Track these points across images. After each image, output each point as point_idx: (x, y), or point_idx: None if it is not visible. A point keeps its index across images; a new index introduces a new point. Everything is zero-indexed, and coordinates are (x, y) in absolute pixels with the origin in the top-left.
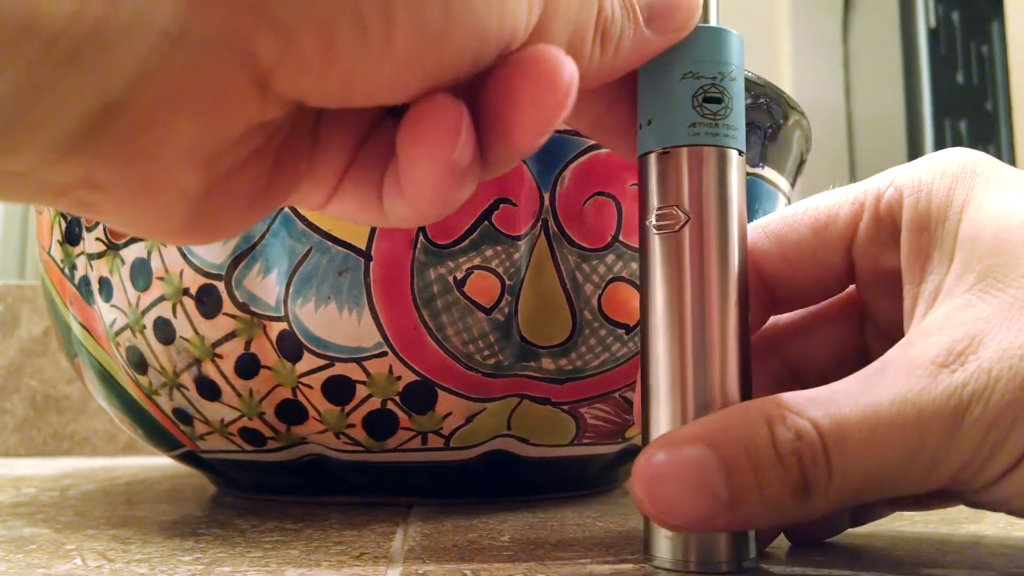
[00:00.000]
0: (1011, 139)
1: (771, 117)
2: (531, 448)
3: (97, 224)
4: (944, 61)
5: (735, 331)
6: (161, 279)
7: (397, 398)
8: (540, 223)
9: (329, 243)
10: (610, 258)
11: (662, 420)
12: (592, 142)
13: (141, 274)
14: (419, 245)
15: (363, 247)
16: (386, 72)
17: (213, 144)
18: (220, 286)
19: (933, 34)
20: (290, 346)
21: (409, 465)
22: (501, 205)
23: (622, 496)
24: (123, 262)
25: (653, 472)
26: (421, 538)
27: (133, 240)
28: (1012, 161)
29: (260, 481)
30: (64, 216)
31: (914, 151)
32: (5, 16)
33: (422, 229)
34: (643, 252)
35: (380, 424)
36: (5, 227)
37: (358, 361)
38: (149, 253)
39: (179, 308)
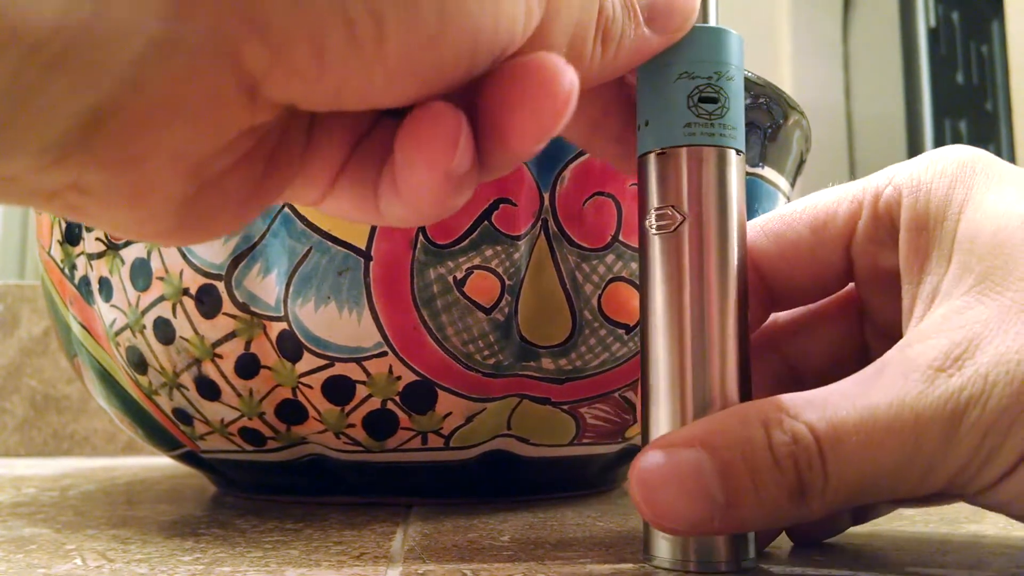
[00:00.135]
0: (1011, 139)
1: (771, 117)
2: (531, 448)
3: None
4: (944, 61)
5: (734, 330)
6: (161, 279)
7: (397, 398)
8: (540, 223)
9: (329, 243)
10: (610, 258)
11: (661, 420)
12: None
13: (141, 274)
14: (419, 245)
15: (363, 247)
16: (378, 77)
17: (203, 149)
18: (220, 286)
19: (933, 34)
20: (290, 346)
21: (409, 465)
22: (501, 205)
23: (622, 496)
24: (123, 262)
25: (649, 476)
26: (421, 538)
27: (133, 240)
28: (1012, 160)
29: (260, 481)
30: None
31: (914, 151)
32: None
33: (422, 229)
34: (642, 252)
35: (380, 424)
36: (5, 227)
37: (358, 361)
38: (149, 253)
39: (179, 308)
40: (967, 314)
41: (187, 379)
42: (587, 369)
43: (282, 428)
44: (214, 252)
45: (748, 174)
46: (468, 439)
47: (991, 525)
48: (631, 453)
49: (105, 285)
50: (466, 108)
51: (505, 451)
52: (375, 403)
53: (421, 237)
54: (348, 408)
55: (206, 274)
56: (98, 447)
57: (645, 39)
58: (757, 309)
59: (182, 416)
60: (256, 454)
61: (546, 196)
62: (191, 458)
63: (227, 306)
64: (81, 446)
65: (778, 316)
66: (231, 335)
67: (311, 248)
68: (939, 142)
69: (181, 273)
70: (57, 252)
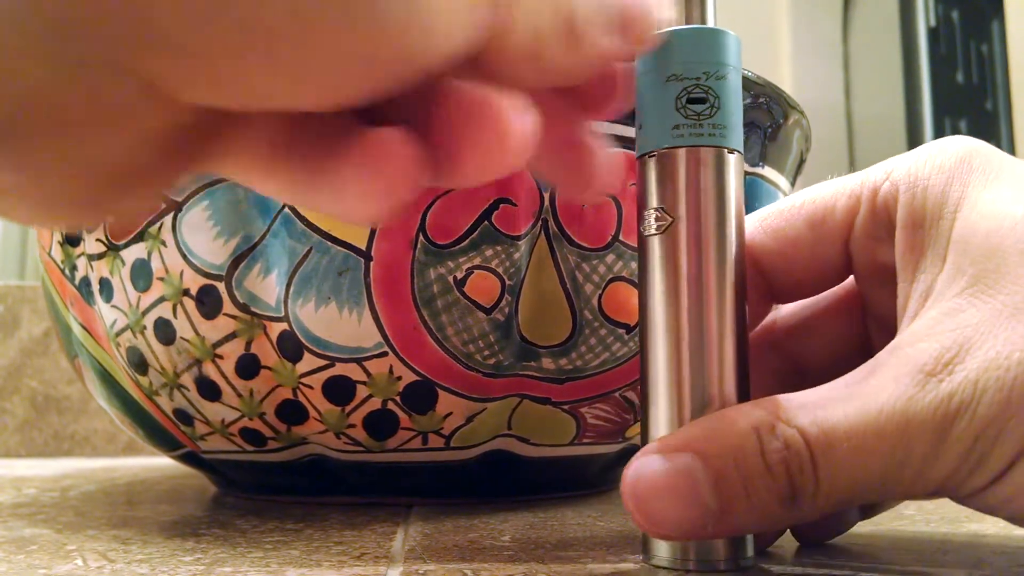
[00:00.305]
0: (1011, 138)
1: (771, 116)
2: (531, 448)
3: (97, 225)
4: (944, 60)
5: (731, 329)
6: (161, 280)
7: (397, 398)
8: (540, 223)
9: (329, 243)
10: (610, 258)
11: (660, 420)
12: None
13: (141, 275)
14: (419, 245)
15: (363, 247)
16: (299, 86)
17: (116, 155)
18: (220, 286)
19: (933, 33)
20: (290, 346)
21: (409, 465)
22: (501, 205)
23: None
24: (123, 263)
25: (642, 484)
26: (422, 538)
27: (133, 241)
28: None
29: (261, 481)
30: None
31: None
32: None
33: (422, 229)
34: (639, 254)
35: (380, 424)
36: (5, 228)
37: (358, 361)
38: (149, 254)
39: (179, 309)
40: (959, 317)
41: (188, 379)
42: (587, 369)
43: (283, 428)
44: (214, 252)
45: (748, 173)
46: (468, 439)
47: (992, 524)
48: (632, 453)
49: (106, 286)
50: (422, 119)
51: (506, 451)
52: (375, 403)
53: (421, 237)
54: (348, 408)
55: (206, 275)
56: (99, 448)
57: (609, 45)
58: (757, 303)
59: (183, 416)
60: (257, 454)
61: (546, 196)
62: (192, 458)
63: (227, 307)
64: (82, 447)
65: (780, 311)
66: (231, 335)
67: (311, 248)
68: None
69: (181, 274)
70: (57, 253)
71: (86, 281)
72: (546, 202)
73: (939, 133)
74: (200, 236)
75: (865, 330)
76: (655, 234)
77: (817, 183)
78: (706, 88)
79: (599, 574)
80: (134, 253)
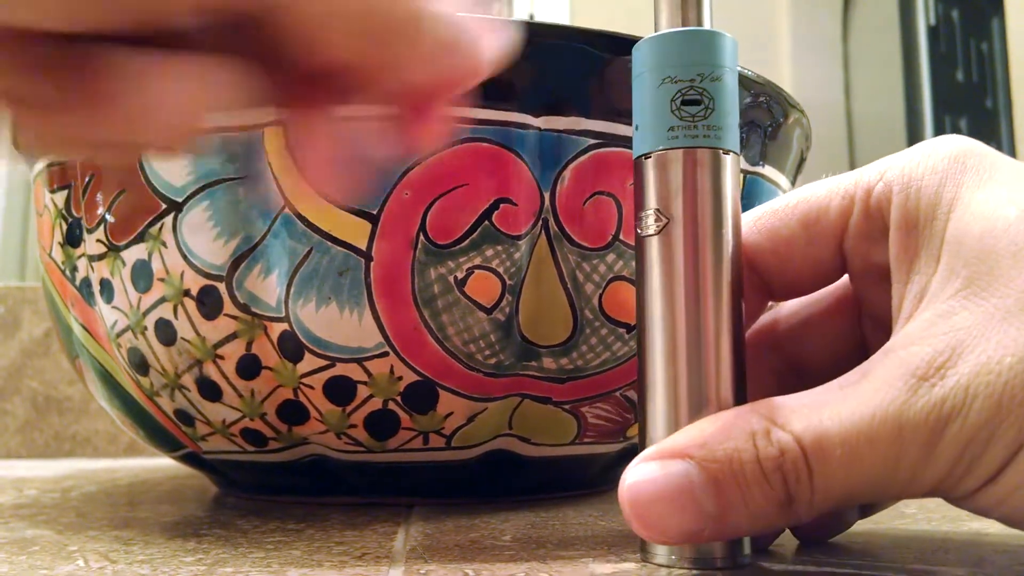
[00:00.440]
0: (1011, 136)
1: (771, 115)
2: (532, 447)
3: (98, 226)
4: (944, 59)
5: (727, 330)
6: (162, 280)
7: (398, 398)
8: (540, 223)
9: (329, 243)
10: (611, 257)
11: (658, 421)
12: (593, 141)
13: (142, 275)
14: (419, 245)
15: (363, 247)
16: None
17: None
18: (221, 287)
19: (933, 32)
20: (291, 347)
21: (410, 465)
22: (501, 205)
23: None
24: (124, 264)
25: (639, 490)
26: (423, 538)
27: (134, 241)
28: (1013, 157)
29: (262, 482)
30: (65, 218)
31: None
32: None
33: (422, 229)
34: (636, 254)
35: (381, 424)
36: (5, 229)
37: (359, 361)
38: (150, 255)
39: (180, 309)
40: (952, 320)
41: (188, 380)
42: (588, 368)
43: (283, 429)
44: (215, 253)
45: (748, 173)
46: (469, 439)
47: (993, 523)
48: (633, 452)
49: (106, 287)
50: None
51: (506, 451)
52: (376, 403)
53: (421, 237)
54: (349, 408)
55: (207, 275)
56: (100, 448)
57: (445, 65)
58: (754, 300)
59: (183, 417)
60: (258, 455)
61: (546, 195)
62: (193, 459)
63: (228, 307)
64: (83, 447)
65: (777, 311)
66: (232, 336)
67: (312, 249)
68: None
69: (182, 274)
70: (58, 254)
71: (87, 282)
72: (546, 202)
73: (939, 131)
74: (200, 237)
75: (862, 329)
76: (652, 235)
77: (820, 176)
78: (701, 90)
79: (601, 573)
80: (135, 254)
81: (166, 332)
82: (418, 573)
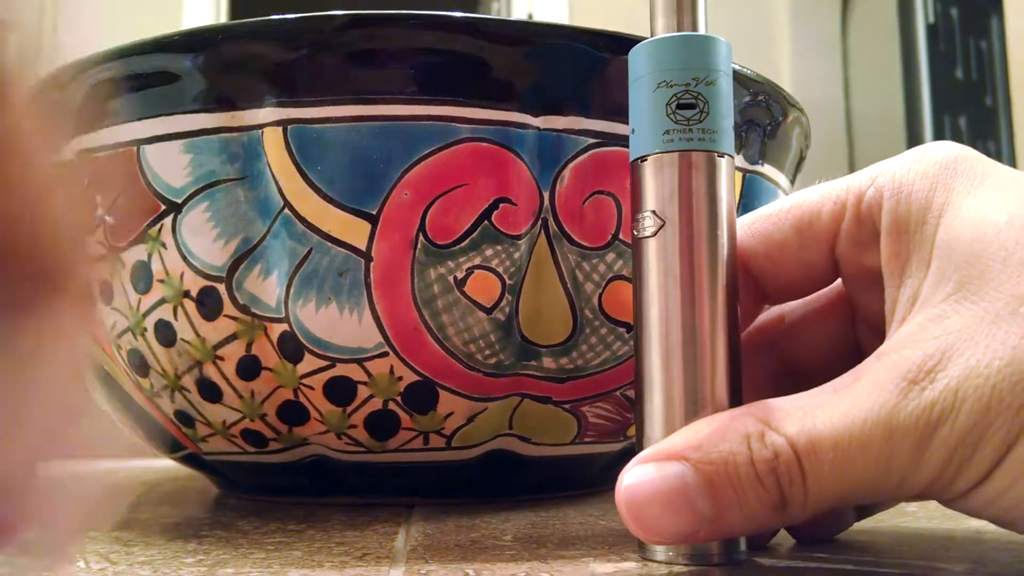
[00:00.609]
0: (1011, 134)
1: (770, 114)
2: (533, 447)
3: (97, 227)
4: (943, 57)
5: (723, 332)
6: (161, 282)
7: (398, 398)
8: (540, 222)
9: (329, 244)
10: (610, 256)
11: (655, 422)
12: (592, 140)
13: (141, 277)
14: (419, 245)
15: (363, 248)
16: None
17: None
18: (221, 288)
19: (932, 30)
20: (291, 347)
21: (411, 465)
22: (501, 204)
23: None
24: (123, 265)
25: (635, 492)
26: (423, 538)
27: (133, 243)
28: (1012, 155)
29: (262, 482)
30: None
31: (913, 147)
32: None
33: (422, 229)
34: (633, 256)
35: (382, 424)
36: None
37: (359, 362)
38: (149, 256)
39: (180, 310)
40: (943, 324)
41: (188, 381)
42: (588, 368)
43: (284, 429)
44: (215, 254)
45: (748, 171)
46: (470, 439)
47: None
48: (633, 452)
49: (106, 288)
50: None
51: (507, 450)
52: (376, 403)
53: (421, 237)
54: (349, 409)
55: (207, 276)
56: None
57: None
58: (748, 304)
59: (184, 418)
60: (258, 455)
61: (546, 195)
62: (193, 460)
63: (228, 308)
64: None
65: (771, 313)
66: (232, 337)
67: (311, 249)
68: (938, 137)
69: (182, 275)
70: None
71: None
72: (546, 201)
73: (938, 129)
74: (200, 238)
75: (855, 332)
76: (648, 237)
77: (815, 180)
78: (695, 94)
79: (602, 573)
80: (134, 255)
81: (166, 333)
82: (419, 573)
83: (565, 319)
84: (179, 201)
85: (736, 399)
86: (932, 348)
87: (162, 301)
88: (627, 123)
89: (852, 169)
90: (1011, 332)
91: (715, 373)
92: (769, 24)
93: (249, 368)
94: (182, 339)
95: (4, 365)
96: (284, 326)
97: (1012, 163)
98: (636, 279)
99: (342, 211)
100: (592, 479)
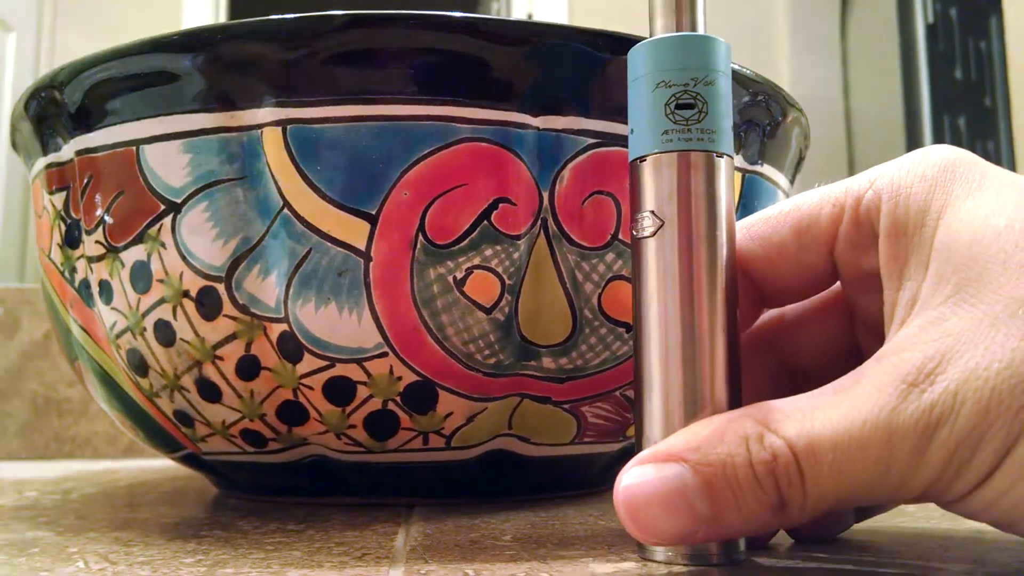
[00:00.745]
0: (1010, 135)
1: (769, 114)
2: (532, 447)
3: (97, 227)
4: (942, 57)
5: (722, 333)
6: (161, 281)
7: (398, 398)
8: (539, 222)
9: (329, 244)
10: (610, 256)
11: (654, 422)
12: (592, 140)
13: (141, 277)
14: (419, 245)
15: (362, 248)
16: None
17: None
18: (220, 288)
19: (931, 30)
20: (290, 347)
21: (410, 465)
22: (500, 205)
23: None
24: (123, 265)
25: (634, 493)
26: (423, 538)
27: (133, 243)
28: (1011, 156)
29: (261, 482)
30: (64, 219)
31: (913, 148)
32: None
33: (422, 229)
34: (632, 256)
35: (381, 424)
36: (5, 230)
37: (359, 362)
38: (149, 256)
39: (179, 310)
40: (942, 326)
41: (188, 381)
42: (588, 368)
43: (283, 429)
44: (214, 254)
45: (747, 171)
46: (469, 439)
47: None
48: (632, 452)
49: (105, 288)
50: None
51: (506, 451)
52: (376, 404)
53: (421, 237)
54: (349, 409)
55: (206, 276)
56: (99, 450)
57: None
58: (748, 307)
59: (183, 418)
60: (257, 455)
61: (545, 195)
62: (192, 460)
63: (227, 308)
64: (82, 449)
65: (771, 315)
66: (231, 337)
67: (311, 249)
68: (938, 138)
69: (181, 275)
70: (57, 255)
71: (85, 283)
72: (545, 201)
73: (938, 129)
74: (199, 238)
75: (855, 334)
76: (647, 237)
77: (816, 181)
78: (694, 94)
79: (601, 573)
80: (133, 255)
81: (165, 333)
82: (418, 573)
83: (565, 319)
84: (178, 201)
85: (735, 400)
86: (931, 351)
87: (161, 301)
88: (626, 123)
89: (851, 169)
90: (1010, 335)
91: (714, 373)
92: (768, 24)
93: (248, 368)
94: (181, 339)
95: None
96: (283, 326)
97: (1012, 164)
98: (635, 279)
99: (341, 211)
100: (592, 479)
